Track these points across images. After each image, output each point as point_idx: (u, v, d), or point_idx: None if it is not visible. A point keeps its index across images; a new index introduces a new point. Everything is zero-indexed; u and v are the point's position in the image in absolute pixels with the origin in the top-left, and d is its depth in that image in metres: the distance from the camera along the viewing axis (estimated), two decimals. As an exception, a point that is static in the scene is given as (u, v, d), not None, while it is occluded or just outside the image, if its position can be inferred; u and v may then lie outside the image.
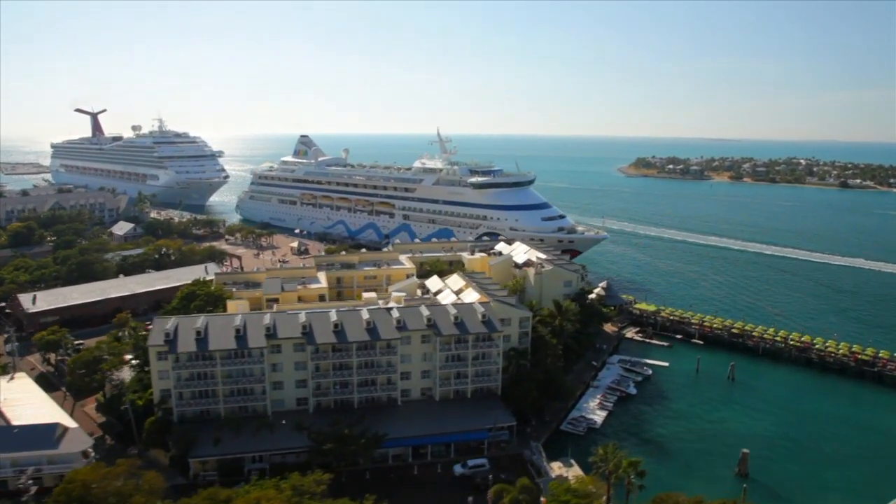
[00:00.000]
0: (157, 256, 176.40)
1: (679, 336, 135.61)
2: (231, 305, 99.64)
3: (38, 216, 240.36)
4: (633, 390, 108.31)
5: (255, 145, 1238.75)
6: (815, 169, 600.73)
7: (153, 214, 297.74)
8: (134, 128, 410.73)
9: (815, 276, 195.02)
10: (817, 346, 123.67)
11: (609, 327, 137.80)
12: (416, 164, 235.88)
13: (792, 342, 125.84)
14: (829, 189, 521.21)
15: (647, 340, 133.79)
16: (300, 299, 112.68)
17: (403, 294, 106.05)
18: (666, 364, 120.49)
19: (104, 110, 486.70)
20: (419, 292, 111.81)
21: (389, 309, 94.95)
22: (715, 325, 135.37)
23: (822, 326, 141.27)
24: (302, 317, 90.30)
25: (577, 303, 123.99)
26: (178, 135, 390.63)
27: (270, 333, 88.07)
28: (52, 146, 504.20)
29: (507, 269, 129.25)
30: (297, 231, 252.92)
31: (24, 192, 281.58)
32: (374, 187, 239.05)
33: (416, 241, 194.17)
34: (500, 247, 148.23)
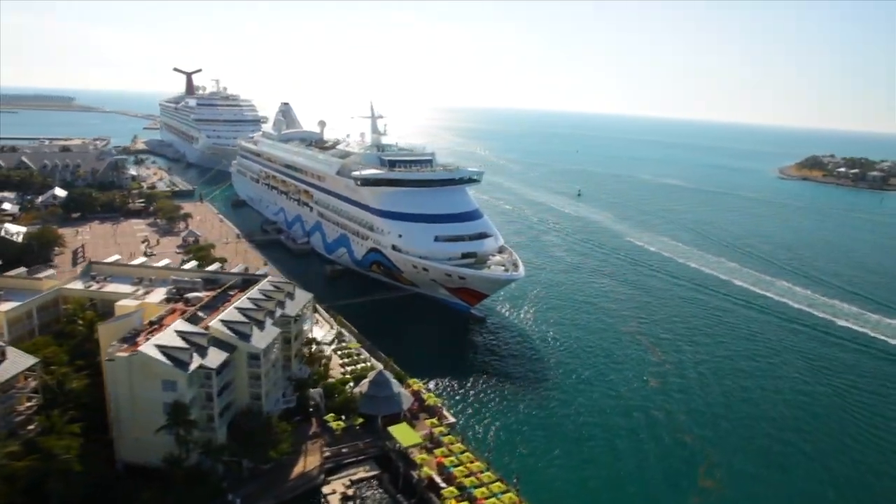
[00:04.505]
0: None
1: (421, 507, 71.27)
2: None
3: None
4: None
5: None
6: None
7: (157, 181, 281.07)
8: (196, 87, 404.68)
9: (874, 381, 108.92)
10: None
11: (313, 459, 77.41)
12: (340, 146, 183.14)
13: None
14: None
15: (347, 507, 71.51)
16: None
17: None
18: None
19: (199, 70, 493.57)
20: None
21: None
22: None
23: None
24: None
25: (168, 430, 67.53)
26: (226, 97, 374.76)
27: None
28: (160, 104, 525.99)
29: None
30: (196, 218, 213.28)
31: (13, 149, 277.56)
32: (301, 171, 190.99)
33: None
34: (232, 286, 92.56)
